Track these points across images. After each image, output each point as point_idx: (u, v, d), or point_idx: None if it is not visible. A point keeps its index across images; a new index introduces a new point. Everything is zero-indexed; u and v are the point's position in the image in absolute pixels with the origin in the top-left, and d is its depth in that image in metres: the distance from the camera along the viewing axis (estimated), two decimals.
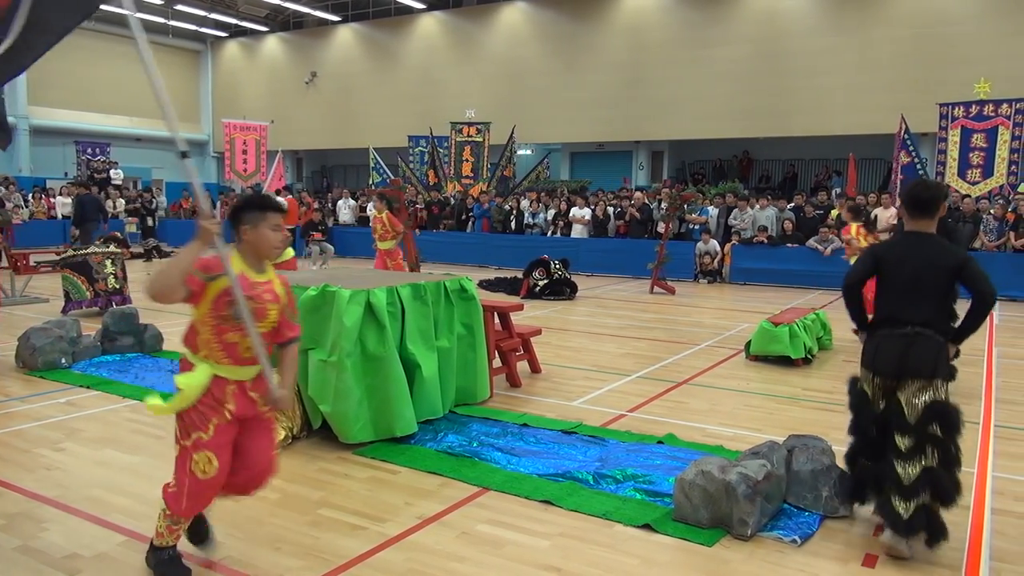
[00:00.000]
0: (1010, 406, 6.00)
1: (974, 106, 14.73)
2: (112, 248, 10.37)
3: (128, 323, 7.39)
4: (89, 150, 24.43)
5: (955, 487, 3.45)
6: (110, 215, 20.37)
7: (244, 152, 23.76)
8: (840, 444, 4.72)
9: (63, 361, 6.75)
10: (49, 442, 4.85)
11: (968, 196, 14.31)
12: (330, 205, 21.22)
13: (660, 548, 3.51)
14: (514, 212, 17.85)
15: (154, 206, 22.19)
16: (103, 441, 4.90)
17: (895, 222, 14.01)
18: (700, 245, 15.11)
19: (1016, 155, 14.44)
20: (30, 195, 21.25)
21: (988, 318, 3.70)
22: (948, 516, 3.78)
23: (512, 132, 19.90)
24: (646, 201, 16.49)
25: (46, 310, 9.86)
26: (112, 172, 23.65)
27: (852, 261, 9.65)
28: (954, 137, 14.93)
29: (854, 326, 3.86)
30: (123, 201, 21.63)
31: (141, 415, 5.47)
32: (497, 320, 6.57)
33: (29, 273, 11.76)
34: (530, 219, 17.70)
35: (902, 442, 3.46)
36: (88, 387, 6.15)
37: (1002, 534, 3.68)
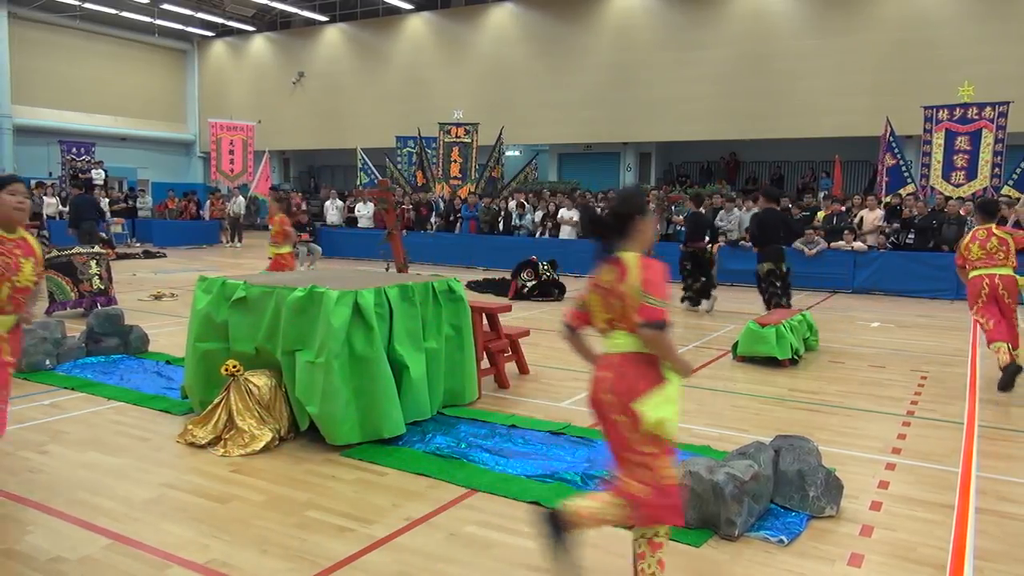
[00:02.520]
0: (994, 406, 6.06)
1: (958, 109, 14.87)
2: (97, 249, 10.30)
3: (113, 324, 7.33)
4: (74, 150, 24.24)
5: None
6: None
7: (231, 152, 23.67)
8: (827, 444, 4.76)
9: (47, 363, 6.69)
10: (33, 444, 4.81)
11: (952, 198, 14.44)
12: (296, 207, 20.82)
13: None
14: (502, 213, 17.85)
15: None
16: (87, 443, 4.86)
17: (881, 223, 14.13)
18: None
19: (999, 157, 14.59)
20: None
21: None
22: (931, 517, 3.84)
23: (500, 133, 19.91)
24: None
25: None
26: (94, 172, 23.46)
27: (277, 252, 8.93)
28: (938, 140, 15.06)
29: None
30: (107, 201, 21.44)
31: (125, 417, 5.43)
32: (485, 321, 6.56)
33: None
34: (517, 220, 17.71)
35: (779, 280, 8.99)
36: (72, 389, 6.10)
37: (985, 533, 3.72)
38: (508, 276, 13.03)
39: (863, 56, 20.09)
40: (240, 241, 22.62)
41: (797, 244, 14.25)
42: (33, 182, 21.10)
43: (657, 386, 2.75)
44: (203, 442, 4.77)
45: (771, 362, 7.34)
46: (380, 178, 20.09)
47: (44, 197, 20.62)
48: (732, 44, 21.75)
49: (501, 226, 17.71)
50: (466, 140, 20.03)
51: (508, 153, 24.43)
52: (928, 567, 3.37)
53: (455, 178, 20.08)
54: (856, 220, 14.42)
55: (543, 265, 12.40)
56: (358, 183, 21.89)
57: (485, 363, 6.36)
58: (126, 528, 3.62)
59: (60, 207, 20.22)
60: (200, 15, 29.41)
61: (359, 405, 4.76)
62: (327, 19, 29.05)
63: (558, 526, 2.84)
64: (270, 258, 8.81)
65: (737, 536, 3.56)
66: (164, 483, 4.21)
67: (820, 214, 15.12)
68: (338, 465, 4.52)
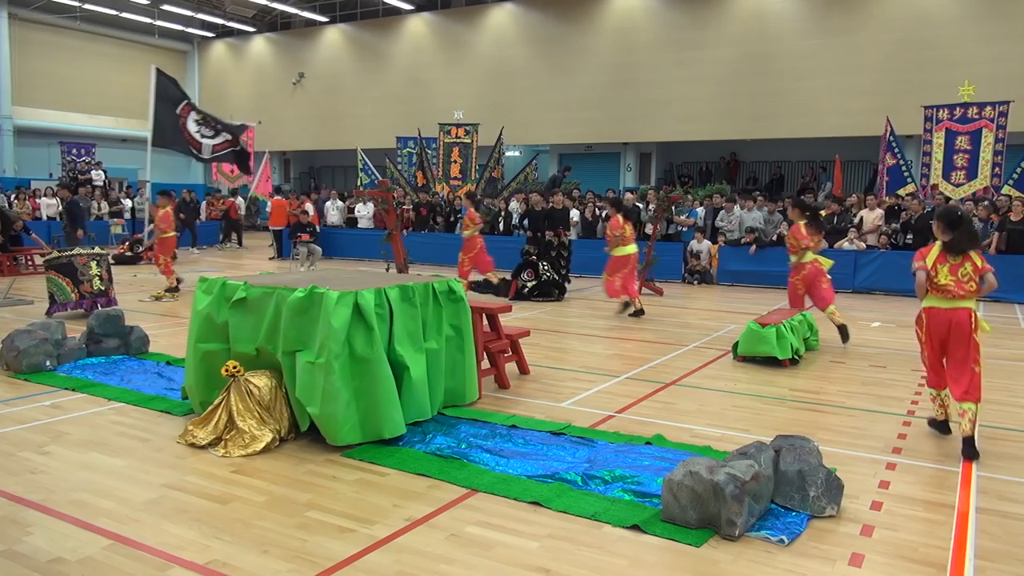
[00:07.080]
0: (994, 406, 6.05)
1: (958, 109, 14.87)
2: (97, 249, 10.31)
3: (113, 325, 7.34)
4: (74, 151, 24.23)
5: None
6: (94, 216, 20.20)
7: None
8: (828, 444, 4.76)
9: (47, 363, 6.69)
10: (34, 445, 4.81)
11: (952, 198, 14.42)
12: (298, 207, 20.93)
13: (648, 549, 3.52)
14: (502, 213, 17.84)
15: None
16: (88, 444, 4.86)
17: (880, 223, 14.13)
18: (693, 244, 15.17)
19: (999, 157, 14.60)
20: (14, 196, 21.04)
21: None
22: (932, 517, 3.83)
23: (500, 133, 19.92)
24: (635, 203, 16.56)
25: (30, 312, 9.77)
26: (93, 173, 23.45)
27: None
28: (939, 139, 15.07)
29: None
30: (106, 204, 21.42)
31: (127, 417, 5.43)
32: (485, 321, 6.56)
33: (13, 275, 11.65)
34: (517, 220, 17.69)
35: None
36: (73, 390, 6.10)
37: (986, 533, 3.72)
38: (508, 276, 13.02)
39: (863, 56, 20.09)
40: (240, 242, 22.61)
41: None
42: (43, 186, 21.09)
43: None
44: (204, 443, 4.77)
45: (772, 362, 7.34)
46: (380, 178, 20.11)
47: (43, 198, 20.62)
48: (732, 44, 21.75)
49: (501, 227, 17.70)
50: (466, 140, 20.03)
51: (508, 153, 24.44)
52: (929, 567, 3.37)
53: (455, 178, 20.08)
54: (856, 220, 14.42)
55: (543, 265, 12.40)
56: (358, 183, 21.89)
57: (485, 363, 6.36)
58: (127, 529, 3.62)
59: (60, 208, 20.21)
60: (200, 16, 29.44)
61: (359, 406, 4.76)
62: (327, 20, 29.07)
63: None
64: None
65: (738, 536, 3.56)
66: (165, 484, 4.21)
67: (821, 213, 15.10)
68: (339, 466, 4.52)
